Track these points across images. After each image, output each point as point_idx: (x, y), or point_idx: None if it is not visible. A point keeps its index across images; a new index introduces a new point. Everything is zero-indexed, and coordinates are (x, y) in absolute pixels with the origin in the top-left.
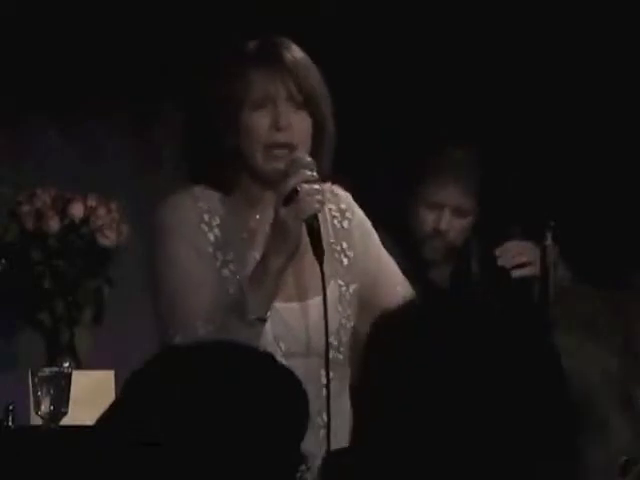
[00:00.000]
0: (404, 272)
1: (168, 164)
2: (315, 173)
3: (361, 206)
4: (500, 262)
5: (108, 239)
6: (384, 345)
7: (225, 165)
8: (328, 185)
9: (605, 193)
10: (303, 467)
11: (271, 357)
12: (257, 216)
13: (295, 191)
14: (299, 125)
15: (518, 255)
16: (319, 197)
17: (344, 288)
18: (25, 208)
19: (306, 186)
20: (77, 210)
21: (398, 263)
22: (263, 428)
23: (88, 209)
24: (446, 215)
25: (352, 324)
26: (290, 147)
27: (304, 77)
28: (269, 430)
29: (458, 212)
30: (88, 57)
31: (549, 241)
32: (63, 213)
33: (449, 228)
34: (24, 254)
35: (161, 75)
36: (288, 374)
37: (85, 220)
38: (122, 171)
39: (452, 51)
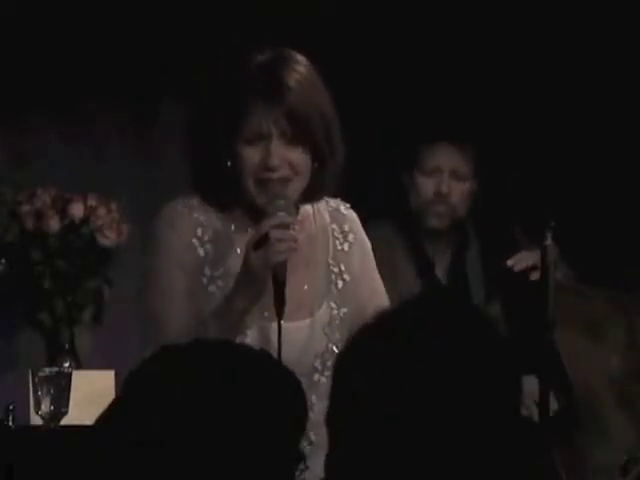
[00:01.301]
0: (405, 273)
1: (168, 164)
2: (292, 216)
3: (362, 199)
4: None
5: (108, 239)
6: (366, 353)
7: (223, 184)
8: (336, 202)
9: (605, 193)
10: (302, 466)
11: (270, 356)
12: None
13: (266, 236)
14: (294, 161)
15: (526, 261)
16: (291, 244)
17: (335, 311)
18: (25, 208)
19: (277, 232)
20: (77, 210)
21: (400, 260)
22: (262, 427)
23: (88, 209)
24: (445, 178)
25: (338, 348)
26: (284, 180)
27: (305, 107)
28: (268, 429)
29: (456, 175)
30: (88, 57)
31: (549, 241)
32: (63, 213)
33: (450, 191)
34: (24, 254)
35: (161, 75)
36: (286, 373)
37: (85, 220)
38: (122, 171)
39: (452, 50)
